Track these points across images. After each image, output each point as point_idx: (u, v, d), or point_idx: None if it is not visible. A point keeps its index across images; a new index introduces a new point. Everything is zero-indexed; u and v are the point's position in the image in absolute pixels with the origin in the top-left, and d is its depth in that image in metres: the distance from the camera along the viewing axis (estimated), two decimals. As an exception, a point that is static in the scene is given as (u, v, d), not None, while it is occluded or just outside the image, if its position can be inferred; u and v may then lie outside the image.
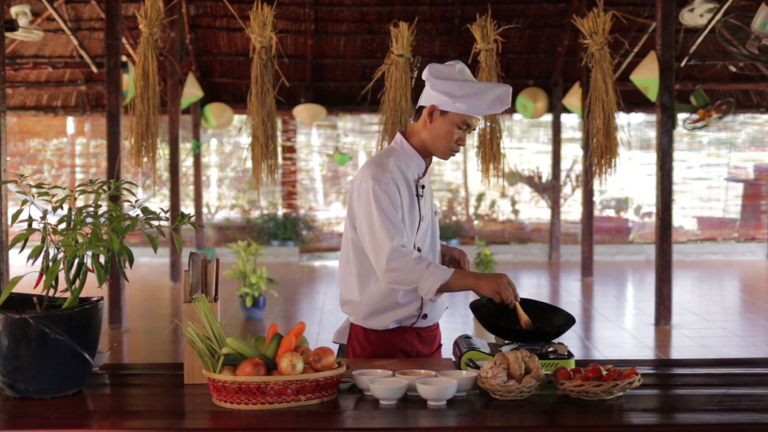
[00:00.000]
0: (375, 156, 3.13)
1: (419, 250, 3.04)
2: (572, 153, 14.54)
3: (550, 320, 3.03)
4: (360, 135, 14.93)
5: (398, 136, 3.12)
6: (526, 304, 3.05)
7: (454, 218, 14.84)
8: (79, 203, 2.71)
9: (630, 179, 14.47)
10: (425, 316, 3.10)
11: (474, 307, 3.03)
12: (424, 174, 3.09)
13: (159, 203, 13.96)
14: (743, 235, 14.76)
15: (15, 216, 2.63)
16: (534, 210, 14.84)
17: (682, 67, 9.10)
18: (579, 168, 14.08)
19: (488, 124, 5.82)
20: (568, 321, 2.98)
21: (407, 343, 3.11)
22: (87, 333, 2.58)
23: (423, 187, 3.07)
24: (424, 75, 3.05)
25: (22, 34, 9.01)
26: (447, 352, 3.21)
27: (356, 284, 3.09)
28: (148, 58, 5.89)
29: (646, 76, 8.49)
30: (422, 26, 11.52)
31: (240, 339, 2.53)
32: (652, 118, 13.75)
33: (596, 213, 13.41)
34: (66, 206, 2.63)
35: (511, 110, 12.90)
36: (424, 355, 3.16)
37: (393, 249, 2.86)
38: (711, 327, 8.56)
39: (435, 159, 3.16)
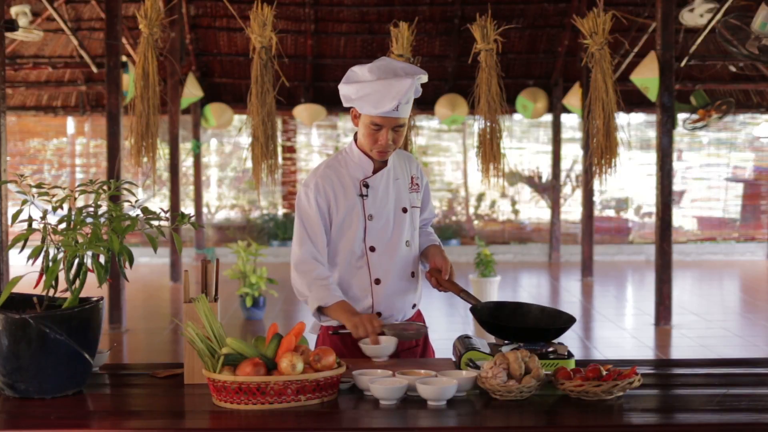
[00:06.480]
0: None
1: (372, 249, 3.11)
2: (572, 153, 14.53)
3: (551, 322, 3.04)
4: (360, 135, 14.91)
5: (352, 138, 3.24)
6: (526, 307, 3.08)
7: (454, 218, 14.83)
8: (79, 203, 2.70)
9: (630, 179, 14.47)
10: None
11: (473, 309, 3.05)
12: (373, 173, 3.13)
13: (159, 203, 13.96)
14: (743, 235, 14.76)
15: (15, 216, 2.62)
16: (534, 210, 14.83)
17: (682, 67, 9.09)
18: (579, 168, 14.08)
19: (488, 124, 5.82)
20: (569, 321, 2.98)
21: (335, 345, 3.13)
22: (87, 333, 2.58)
23: (367, 186, 3.11)
24: None
25: (22, 34, 9.01)
26: (447, 352, 3.21)
27: None
28: (148, 58, 5.89)
29: (646, 76, 8.48)
30: (422, 26, 11.52)
31: (240, 339, 2.53)
32: (652, 118, 13.74)
33: (596, 213, 13.40)
34: (66, 206, 2.63)
35: (511, 110, 12.91)
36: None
37: (299, 257, 3.09)
38: (711, 327, 8.56)
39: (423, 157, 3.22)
